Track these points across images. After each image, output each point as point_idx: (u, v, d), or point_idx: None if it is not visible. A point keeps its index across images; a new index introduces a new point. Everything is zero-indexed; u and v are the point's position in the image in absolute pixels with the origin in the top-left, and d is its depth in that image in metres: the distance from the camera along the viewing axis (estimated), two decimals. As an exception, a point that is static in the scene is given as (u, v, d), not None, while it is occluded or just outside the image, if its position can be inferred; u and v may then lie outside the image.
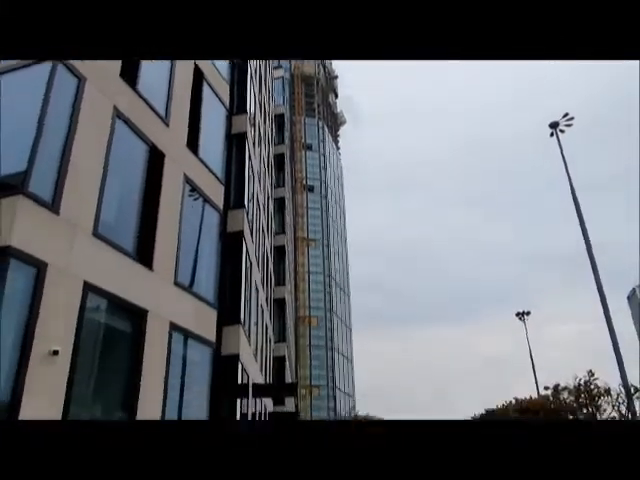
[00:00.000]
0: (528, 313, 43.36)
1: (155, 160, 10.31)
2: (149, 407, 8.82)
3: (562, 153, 19.74)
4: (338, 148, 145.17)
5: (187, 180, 11.39)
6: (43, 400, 6.61)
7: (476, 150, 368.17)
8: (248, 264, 15.56)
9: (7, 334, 6.37)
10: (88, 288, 7.68)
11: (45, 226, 7.07)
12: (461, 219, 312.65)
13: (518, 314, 43.43)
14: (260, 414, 18.22)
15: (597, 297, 15.19)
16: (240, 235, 14.61)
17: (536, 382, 37.09)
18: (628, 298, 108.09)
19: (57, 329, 7.00)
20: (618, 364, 13.12)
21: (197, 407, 10.99)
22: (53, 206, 7.18)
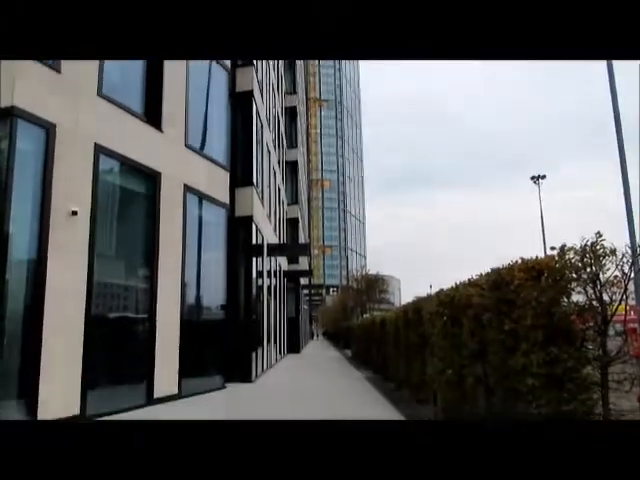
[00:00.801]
0: (543, 177, 43.06)
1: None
2: (169, 265, 9.28)
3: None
4: None
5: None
6: (67, 259, 6.96)
7: None
8: (259, 125, 15.22)
9: (26, 196, 6.51)
10: (99, 150, 7.65)
11: (48, 86, 6.82)
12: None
13: (533, 177, 43.16)
14: (275, 272, 19.18)
15: (618, 163, 14.82)
16: (250, 95, 14.08)
17: (544, 244, 38.07)
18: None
19: (73, 191, 7.12)
20: (628, 222, 13.20)
21: (215, 266, 11.53)
22: (54, 65, 6.88)
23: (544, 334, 3.87)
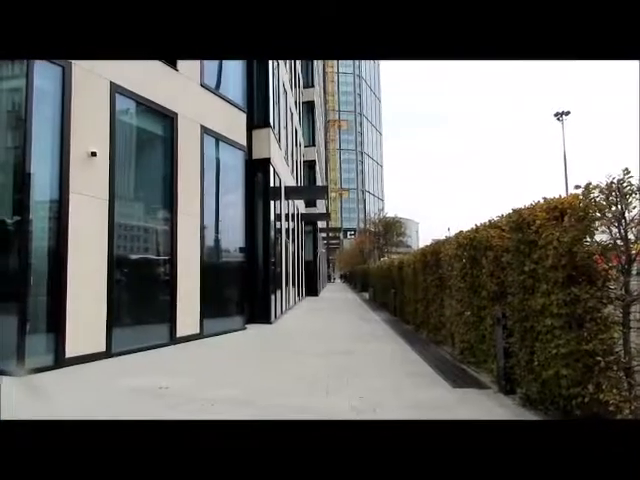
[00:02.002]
0: (567, 113, 41.58)
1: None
2: (188, 207, 9.33)
3: None
4: None
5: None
6: (88, 200, 7.03)
7: None
8: (275, 64, 14.81)
9: (45, 137, 6.51)
10: (115, 89, 7.54)
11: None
12: None
13: (557, 114, 41.71)
14: (293, 215, 19.20)
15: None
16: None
17: (566, 182, 37.19)
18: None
19: (91, 132, 7.09)
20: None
21: (233, 209, 11.57)
22: None
23: (565, 274, 3.84)
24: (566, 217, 3.90)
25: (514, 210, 4.99)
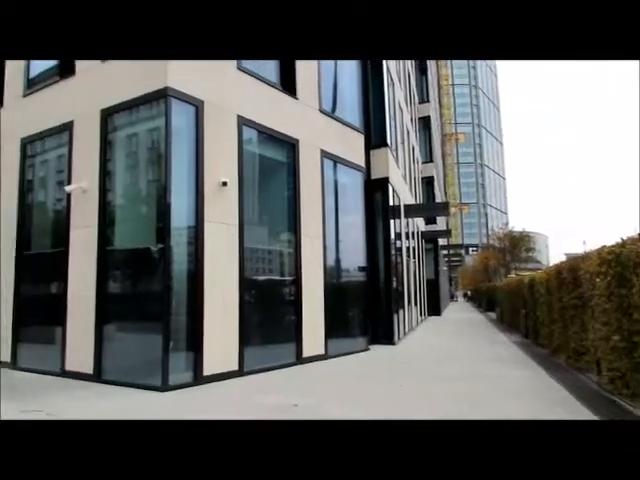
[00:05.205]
0: None
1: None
2: (310, 229, 9.56)
3: None
4: None
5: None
6: (221, 225, 7.49)
7: None
8: (390, 82, 14.82)
9: (182, 170, 7.09)
10: (242, 121, 8.02)
11: (195, 64, 7.25)
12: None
13: None
14: (413, 233, 18.89)
15: None
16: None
17: None
18: None
19: (222, 163, 7.59)
20: None
21: (353, 229, 11.64)
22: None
23: None
24: None
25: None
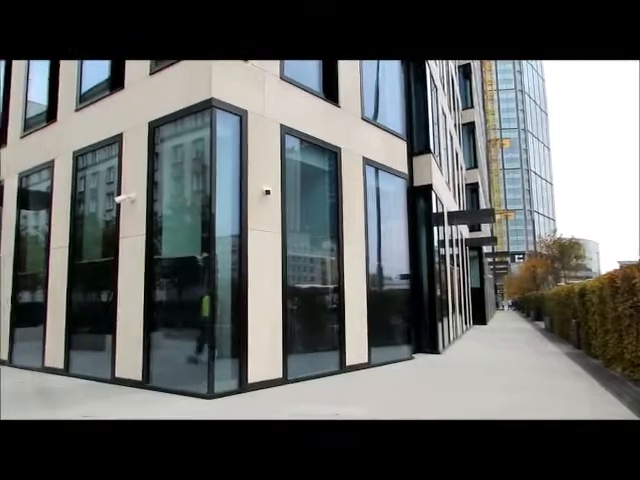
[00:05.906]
0: None
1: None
2: (353, 237, 9.52)
3: None
4: None
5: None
6: (264, 234, 7.55)
7: None
8: (433, 88, 14.64)
9: (226, 179, 7.20)
10: (285, 130, 8.08)
11: (239, 75, 7.38)
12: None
13: None
14: (457, 240, 18.54)
15: None
16: (422, 58, 13.53)
17: None
18: None
19: (265, 171, 7.66)
20: None
21: (396, 236, 11.52)
22: (240, 54, 7.39)
23: None
24: None
25: None
